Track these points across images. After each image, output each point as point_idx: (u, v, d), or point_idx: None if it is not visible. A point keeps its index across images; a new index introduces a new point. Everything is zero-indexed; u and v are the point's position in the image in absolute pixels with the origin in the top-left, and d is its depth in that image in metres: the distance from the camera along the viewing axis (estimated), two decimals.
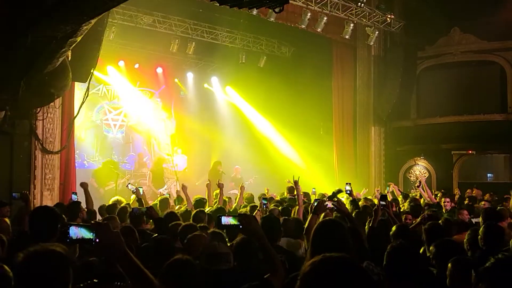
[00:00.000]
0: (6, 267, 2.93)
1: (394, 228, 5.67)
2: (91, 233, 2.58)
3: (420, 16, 16.32)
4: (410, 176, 17.67)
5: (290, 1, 12.33)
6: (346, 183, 8.98)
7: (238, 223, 3.36)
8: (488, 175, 18.47)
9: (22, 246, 3.85)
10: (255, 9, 11.84)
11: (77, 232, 2.62)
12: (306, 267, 1.66)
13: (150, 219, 5.99)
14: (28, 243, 3.86)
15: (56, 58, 8.18)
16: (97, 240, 2.57)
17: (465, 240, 5.27)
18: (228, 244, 4.36)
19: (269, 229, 4.54)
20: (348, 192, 8.75)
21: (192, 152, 19.14)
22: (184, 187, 9.71)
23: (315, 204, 5.81)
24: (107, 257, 2.61)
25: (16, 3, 5.59)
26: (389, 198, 9.89)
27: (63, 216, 6.06)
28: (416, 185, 13.48)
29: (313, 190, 11.43)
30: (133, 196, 9.87)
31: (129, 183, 11.42)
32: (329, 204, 5.85)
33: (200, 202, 8.88)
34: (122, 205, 8.58)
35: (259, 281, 3.32)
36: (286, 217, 6.49)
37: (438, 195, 12.14)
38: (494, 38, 16.31)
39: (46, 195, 12.20)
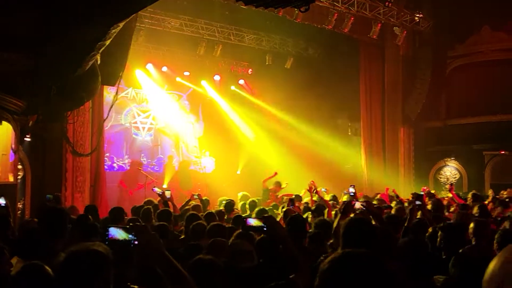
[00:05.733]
0: (47, 267, 2.99)
1: (430, 229, 5.52)
2: (130, 235, 2.65)
3: (449, 15, 16.09)
4: (440, 177, 17.41)
5: (316, 2, 12.31)
6: (350, 185, 8.38)
7: (263, 224, 3.37)
8: None
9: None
10: (281, 9, 11.85)
11: (116, 233, 2.69)
12: (325, 264, 1.65)
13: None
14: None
15: (86, 61, 8.28)
16: (136, 242, 2.63)
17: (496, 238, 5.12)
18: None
19: (294, 230, 4.54)
20: (352, 194, 8.12)
21: (220, 154, 19.22)
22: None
23: (343, 205, 5.79)
24: (146, 258, 2.65)
25: (45, 7, 5.70)
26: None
27: (89, 217, 6.19)
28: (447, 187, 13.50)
29: (323, 189, 11.25)
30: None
31: (154, 186, 11.50)
32: (358, 205, 5.80)
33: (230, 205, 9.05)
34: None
35: (284, 280, 3.32)
36: None
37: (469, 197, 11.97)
38: None
39: (77, 197, 12.42)
